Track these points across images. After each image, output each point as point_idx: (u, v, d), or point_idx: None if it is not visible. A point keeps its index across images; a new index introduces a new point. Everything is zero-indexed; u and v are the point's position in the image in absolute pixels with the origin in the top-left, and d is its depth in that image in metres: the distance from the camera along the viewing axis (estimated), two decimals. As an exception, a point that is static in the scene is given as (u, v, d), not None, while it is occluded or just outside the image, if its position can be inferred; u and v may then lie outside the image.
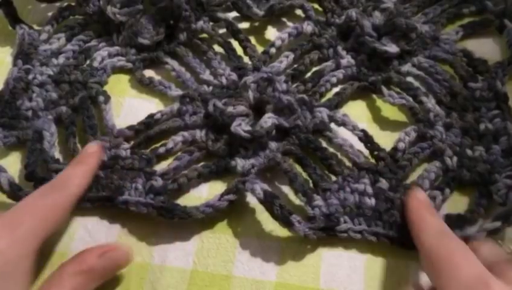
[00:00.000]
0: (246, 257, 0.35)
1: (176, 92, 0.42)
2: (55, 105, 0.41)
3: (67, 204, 0.34)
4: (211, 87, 0.42)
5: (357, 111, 0.42)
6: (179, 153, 0.39)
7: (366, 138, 0.38)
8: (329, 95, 0.42)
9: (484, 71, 0.42)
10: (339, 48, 0.44)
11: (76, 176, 0.35)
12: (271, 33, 0.47)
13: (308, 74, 0.43)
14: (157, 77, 0.44)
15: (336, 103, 0.41)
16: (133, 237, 0.36)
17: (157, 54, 0.45)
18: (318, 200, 0.35)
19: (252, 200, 0.36)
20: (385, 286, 0.33)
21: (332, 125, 0.39)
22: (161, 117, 0.40)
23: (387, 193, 0.36)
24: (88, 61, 0.44)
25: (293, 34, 0.45)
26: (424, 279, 0.32)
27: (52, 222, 0.33)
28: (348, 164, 0.38)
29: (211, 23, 0.46)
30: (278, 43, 0.44)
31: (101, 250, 0.32)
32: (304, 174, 0.37)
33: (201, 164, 0.38)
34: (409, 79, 0.42)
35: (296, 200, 0.36)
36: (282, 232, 0.35)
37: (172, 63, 0.44)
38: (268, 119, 0.38)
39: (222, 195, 0.35)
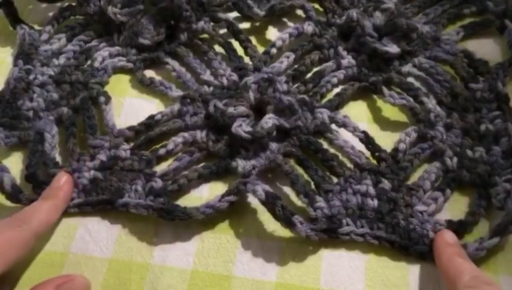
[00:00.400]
0: (246, 257, 0.35)
1: (176, 92, 0.42)
2: (56, 105, 0.41)
3: (26, 240, 0.33)
4: (211, 88, 0.42)
5: (357, 111, 0.41)
6: (179, 154, 0.39)
7: (367, 139, 0.38)
8: (330, 95, 0.42)
9: (485, 72, 0.42)
10: (340, 49, 0.44)
11: (42, 211, 0.35)
12: (272, 33, 0.47)
13: (309, 75, 0.43)
14: (157, 77, 0.44)
15: (337, 104, 0.41)
16: (134, 237, 0.36)
17: (157, 54, 0.45)
18: (320, 202, 0.35)
19: (253, 200, 0.36)
20: (385, 287, 0.33)
21: (333, 126, 0.39)
22: (161, 118, 0.40)
23: (390, 193, 0.36)
24: (89, 62, 0.44)
25: (293, 35, 0.45)
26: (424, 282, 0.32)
27: (9, 257, 0.32)
28: (349, 165, 0.38)
29: (212, 24, 0.46)
30: (279, 43, 0.44)
31: (59, 281, 0.32)
32: (305, 176, 0.37)
33: (202, 164, 0.38)
34: (410, 79, 0.42)
35: (297, 201, 0.36)
36: (283, 232, 0.35)
37: (173, 64, 0.44)
38: (269, 120, 0.38)
39: (223, 196, 0.35)
